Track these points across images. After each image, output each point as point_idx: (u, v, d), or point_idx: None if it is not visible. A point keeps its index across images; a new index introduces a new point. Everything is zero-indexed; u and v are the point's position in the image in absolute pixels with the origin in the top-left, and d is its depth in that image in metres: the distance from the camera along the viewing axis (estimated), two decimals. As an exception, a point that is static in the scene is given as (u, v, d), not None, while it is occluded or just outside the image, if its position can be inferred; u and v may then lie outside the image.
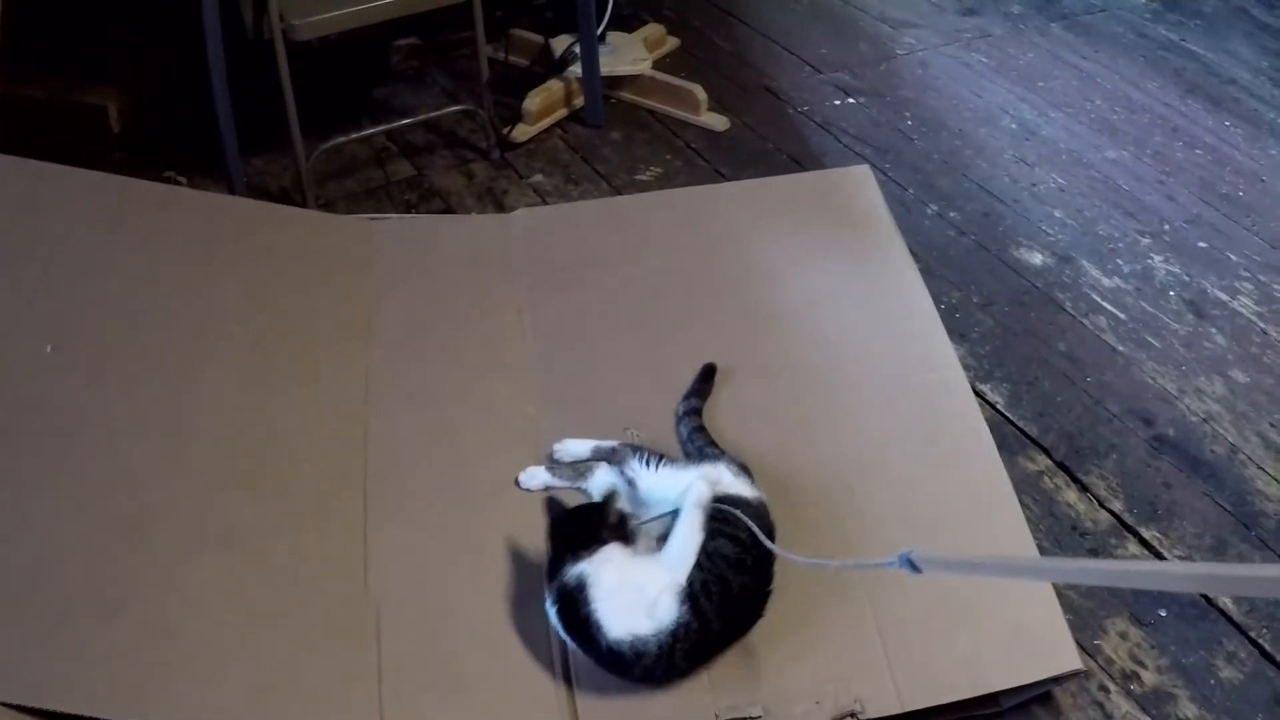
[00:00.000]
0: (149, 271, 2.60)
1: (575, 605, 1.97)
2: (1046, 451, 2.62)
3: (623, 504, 2.12)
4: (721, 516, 2.05)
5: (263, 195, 3.30)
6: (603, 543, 2.01)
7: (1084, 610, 2.29)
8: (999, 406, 2.72)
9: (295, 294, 2.69)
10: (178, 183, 3.30)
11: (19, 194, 2.64)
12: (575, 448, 2.37)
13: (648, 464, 2.24)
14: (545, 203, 3.35)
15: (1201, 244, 3.27)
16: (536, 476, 2.33)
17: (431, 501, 2.32)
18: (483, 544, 2.24)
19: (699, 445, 2.34)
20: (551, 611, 2.01)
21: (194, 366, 2.44)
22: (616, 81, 3.82)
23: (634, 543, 2.06)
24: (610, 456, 2.33)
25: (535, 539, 2.17)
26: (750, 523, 2.02)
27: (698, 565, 1.98)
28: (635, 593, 1.97)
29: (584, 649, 1.99)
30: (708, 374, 2.52)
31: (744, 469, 2.20)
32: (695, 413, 2.42)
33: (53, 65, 3.54)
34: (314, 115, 3.22)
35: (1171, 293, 3.08)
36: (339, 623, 2.10)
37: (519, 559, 2.16)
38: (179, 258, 2.67)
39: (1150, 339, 2.93)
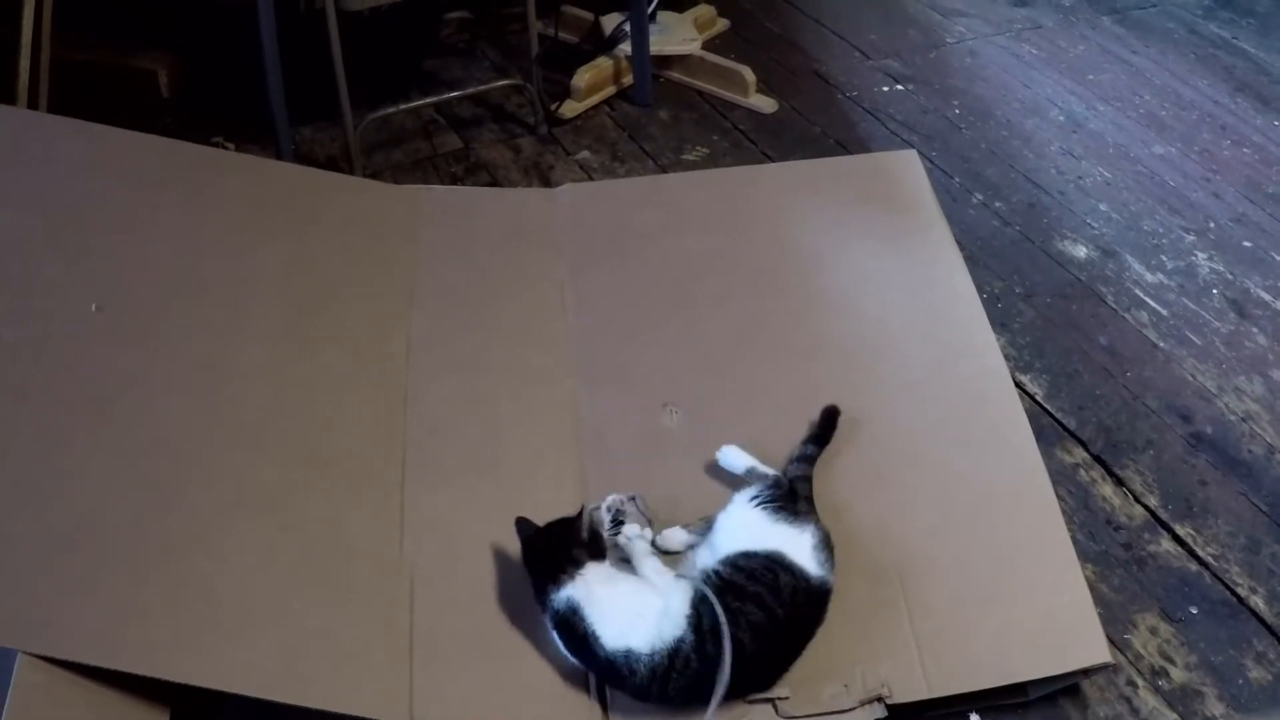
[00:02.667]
0: (194, 234, 2.62)
1: (572, 626, 1.98)
2: (1084, 444, 2.61)
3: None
4: (765, 580, 2.00)
5: (310, 164, 3.31)
6: (579, 564, 2.01)
7: (1114, 604, 2.28)
8: (1038, 398, 2.71)
9: (338, 260, 2.70)
10: (226, 149, 3.32)
11: (67, 154, 2.66)
12: (676, 536, 2.23)
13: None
14: (591, 179, 3.35)
15: (1246, 243, 3.25)
16: (675, 537, 2.22)
17: (469, 471, 2.34)
18: (516, 514, 2.25)
19: (800, 498, 2.22)
20: (551, 632, 2.02)
21: (236, 330, 2.46)
22: (666, 61, 3.82)
23: (606, 557, 2.06)
24: (705, 529, 2.20)
25: (569, 512, 2.17)
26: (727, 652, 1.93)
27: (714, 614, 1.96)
28: (628, 607, 1.99)
29: (583, 663, 2.00)
30: (829, 419, 2.39)
31: (826, 542, 2.12)
32: (807, 461, 2.29)
33: (104, 30, 3.57)
34: (363, 86, 3.24)
35: (1214, 291, 3.07)
36: (373, 588, 2.12)
37: (552, 532, 2.16)
38: (224, 221, 2.69)
39: (1191, 336, 2.91)
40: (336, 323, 2.55)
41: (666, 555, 2.19)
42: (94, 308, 2.34)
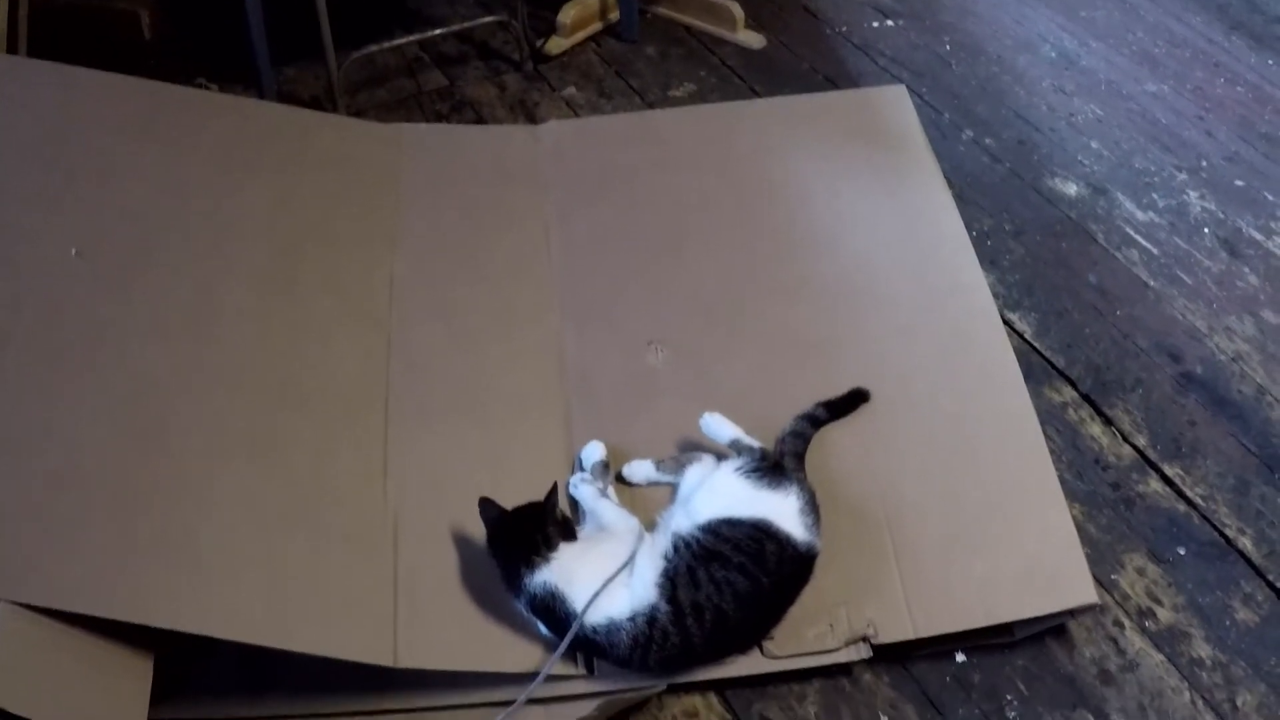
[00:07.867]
0: (176, 176, 2.59)
1: (551, 609, 1.97)
2: (1072, 383, 2.60)
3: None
4: (749, 551, 1.98)
5: (294, 104, 3.29)
6: (553, 545, 2.00)
7: (1102, 544, 2.28)
8: (1026, 336, 2.70)
9: (321, 201, 2.68)
10: (209, 89, 3.29)
11: (48, 98, 2.63)
12: (642, 469, 2.25)
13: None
14: (577, 116, 3.32)
15: (1239, 182, 3.22)
16: (640, 470, 2.24)
17: (452, 413, 2.34)
18: (501, 456, 2.26)
19: (786, 454, 2.21)
20: (528, 615, 2.01)
21: (218, 273, 2.43)
22: (653, -4, 3.78)
23: (575, 538, 2.05)
24: (675, 471, 2.22)
25: (554, 454, 2.18)
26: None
27: (695, 585, 1.94)
28: (604, 576, 1.97)
29: (562, 639, 1.97)
30: (854, 399, 2.34)
31: (812, 503, 2.09)
32: (811, 422, 2.27)
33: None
34: (346, 24, 3.20)
35: (1206, 230, 3.05)
36: (357, 532, 2.12)
37: (537, 473, 2.15)
38: (206, 162, 2.66)
39: (1182, 275, 2.89)
40: (319, 264, 2.53)
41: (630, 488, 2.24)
42: (74, 253, 2.32)
